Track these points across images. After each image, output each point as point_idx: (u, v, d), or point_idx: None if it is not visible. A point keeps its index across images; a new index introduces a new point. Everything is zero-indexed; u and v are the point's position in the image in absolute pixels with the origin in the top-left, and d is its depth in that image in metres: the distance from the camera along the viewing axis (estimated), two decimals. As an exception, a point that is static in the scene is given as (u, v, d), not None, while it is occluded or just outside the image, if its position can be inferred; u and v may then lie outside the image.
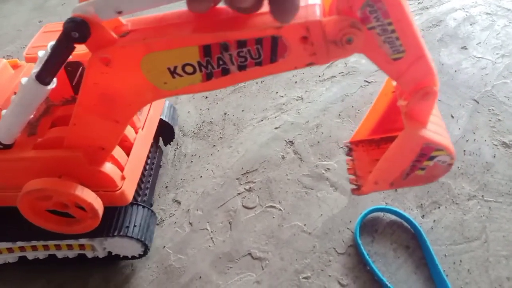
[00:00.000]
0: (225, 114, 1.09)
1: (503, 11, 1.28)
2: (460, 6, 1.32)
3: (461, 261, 0.77)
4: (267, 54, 0.49)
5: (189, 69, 0.51)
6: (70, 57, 0.55)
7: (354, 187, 0.63)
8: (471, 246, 0.79)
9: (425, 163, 0.53)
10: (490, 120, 0.98)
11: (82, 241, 0.74)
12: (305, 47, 0.48)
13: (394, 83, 0.58)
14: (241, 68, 0.50)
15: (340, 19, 0.46)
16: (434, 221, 0.82)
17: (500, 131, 0.96)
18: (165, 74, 0.51)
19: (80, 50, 0.59)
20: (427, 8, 1.32)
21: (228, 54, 0.49)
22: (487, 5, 1.31)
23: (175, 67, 0.51)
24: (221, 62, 0.50)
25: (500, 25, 1.23)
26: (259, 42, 0.48)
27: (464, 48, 1.17)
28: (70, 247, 0.76)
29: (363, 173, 0.63)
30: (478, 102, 1.03)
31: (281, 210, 0.87)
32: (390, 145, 0.54)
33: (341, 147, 0.97)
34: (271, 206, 0.88)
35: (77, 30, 0.47)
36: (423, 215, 0.83)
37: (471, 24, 1.25)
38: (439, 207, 0.84)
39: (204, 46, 0.49)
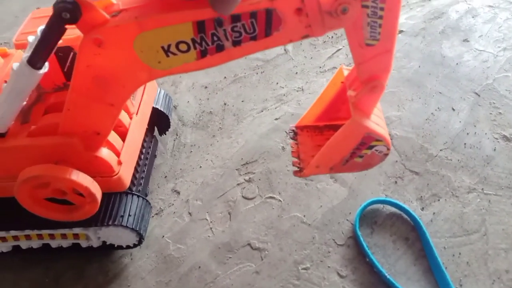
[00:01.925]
0: (225, 104, 1.08)
1: (505, 4, 1.27)
2: (463, -1, 1.31)
3: (460, 253, 0.76)
4: (261, 27, 0.48)
5: (183, 46, 0.50)
6: (61, 41, 0.54)
7: (296, 169, 0.66)
8: (470, 238, 0.78)
9: (364, 152, 0.58)
10: (491, 114, 0.97)
11: (76, 230, 0.73)
12: (300, 19, 0.47)
13: (345, 73, 0.61)
14: (236, 43, 0.50)
15: None
16: (434, 213, 0.81)
17: (501, 124, 0.95)
18: (159, 53, 0.51)
19: (70, 35, 0.59)
20: (429, 0, 1.31)
21: (222, 29, 0.48)
22: (490, -2, 1.30)
23: (169, 46, 0.50)
24: (215, 38, 0.49)
25: (502, 18, 1.22)
26: (253, 16, 0.47)
27: (466, 40, 1.16)
28: (64, 236, 0.75)
29: (306, 157, 0.66)
30: (479, 95, 1.01)
31: (280, 201, 0.86)
32: (335, 132, 0.57)
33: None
34: (271, 197, 0.87)
35: (68, 10, 0.46)
36: (423, 208, 0.82)
37: (473, 17, 1.23)
38: (439, 200, 0.83)
39: (198, 22, 0.48)
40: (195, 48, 0.50)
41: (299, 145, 0.68)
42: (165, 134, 0.99)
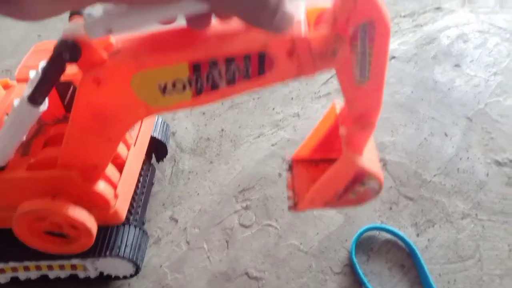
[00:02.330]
0: (222, 130, 1.10)
1: (495, 29, 1.30)
2: (454, 24, 1.34)
3: (455, 280, 0.76)
4: (255, 68, 0.50)
5: (179, 85, 0.52)
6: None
7: (290, 203, 0.66)
8: (465, 265, 0.78)
9: (357, 188, 0.58)
10: (483, 138, 0.99)
11: (74, 261, 0.73)
12: (291, 60, 0.49)
13: (338, 110, 0.63)
14: (230, 83, 0.51)
15: (326, 33, 0.48)
16: (429, 239, 0.82)
17: (493, 149, 0.96)
18: (156, 91, 0.52)
19: (71, 70, 0.60)
20: (421, 25, 1.34)
21: (217, 70, 0.50)
22: (480, 23, 1.33)
23: (166, 84, 0.52)
24: (210, 78, 0.51)
25: (492, 43, 1.25)
26: (246, 58, 0.49)
27: (458, 65, 1.19)
28: (62, 267, 0.76)
29: (301, 191, 0.66)
30: (471, 120, 1.03)
31: (277, 228, 0.87)
32: (329, 168, 0.58)
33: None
34: (268, 224, 0.88)
35: (68, 51, 0.48)
36: (418, 234, 0.83)
37: (464, 42, 1.26)
38: (433, 226, 0.84)
39: (194, 63, 0.50)
40: (190, 86, 0.51)
41: (294, 178, 0.69)
42: (163, 161, 1.01)
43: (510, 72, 1.15)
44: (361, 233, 0.83)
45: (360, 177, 0.57)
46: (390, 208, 0.87)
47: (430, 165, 0.95)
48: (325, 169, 0.60)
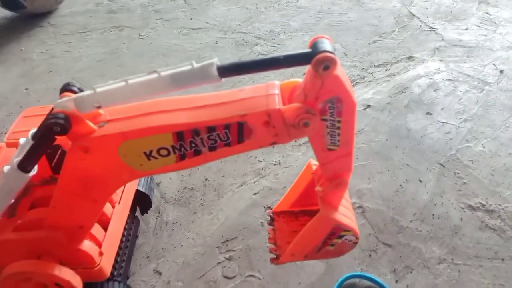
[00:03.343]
0: (206, 179, 1.13)
1: (464, 77, 1.38)
2: (424, 73, 1.42)
3: (435, 326, 0.79)
4: (234, 136, 0.54)
5: (163, 152, 0.55)
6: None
7: (273, 256, 0.70)
8: (443, 310, 0.81)
9: (335, 241, 0.63)
10: (456, 184, 1.04)
11: (60, 318, 0.74)
12: (268, 130, 0.53)
13: (314, 167, 0.68)
14: (212, 149, 0.55)
15: (298, 106, 0.52)
16: (407, 286, 0.85)
17: (466, 194, 1.01)
18: (141, 158, 0.56)
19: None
20: (393, 75, 1.42)
21: (200, 138, 0.54)
22: (449, 72, 1.41)
23: (151, 151, 0.55)
24: (193, 145, 0.54)
25: (461, 91, 1.32)
26: (227, 127, 0.53)
27: (429, 113, 1.25)
28: (47, 324, 0.76)
29: (282, 243, 0.70)
30: (444, 166, 1.08)
31: (260, 279, 0.89)
32: (309, 218, 0.62)
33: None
34: (251, 275, 0.90)
35: (58, 125, 0.51)
36: (397, 280, 0.86)
37: (435, 90, 1.33)
38: (411, 272, 0.87)
39: (177, 133, 0.53)
40: (174, 153, 0.55)
41: (275, 231, 0.72)
42: (147, 213, 1.02)
43: (480, 119, 1.22)
44: (342, 282, 0.85)
45: (337, 231, 0.61)
46: (370, 256, 0.90)
47: (406, 211, 0.98)
48: (305, 222, 0.64)
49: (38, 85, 1.62)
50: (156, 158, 0.57)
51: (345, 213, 0.61)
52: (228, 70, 0.50)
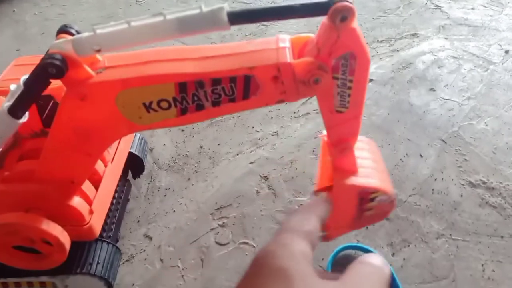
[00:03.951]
0: (201, 147, 1.09)
1: (468, 56, 1.35)
2: (429, 49, 1.38)
3: (430, 300, 0.78)
4: (240, 91, 0.50)
5: (164, 104, 0.51)
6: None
7: (323, 234, 0.67)
8: (440, 285, 0.80)
9: (369, 205, 0.57)
10: (457, 160, 1.02)
11: (43, 278, 0.71)
12: (276, 86, 0.50)
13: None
14: (215, 104, 0.52)
15: (310, 61, 0.49)
16: (404, 259, 0.83)
17: (467, 171, 0.99)
18: (140, 109, 0.52)
19: (52, 84, 0.60)
20: (397, 50, 1.38)
21: (203, 91, 0.50)
22: (454, 50, 1.38)
23: (151, 103, 0.51)
24: (195, 98, 0.51)
25: (466, 69, 1.30)
26: (232, 81, 0.49)
27: (432, 90, 1.22)
28: (30, 284, 0.73)
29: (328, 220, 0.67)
30: (445, 142, 1.06)
31: (254, 246, 0.87)
32: (331, 198, 0.57)
33: (314, 183, 0.98)
34: (244, 243, 0.88)
35: (54, 66, 0.48)
36: (393, 253, 0.84)
37: (439, 67, 1.30)
38: (408, 245, 0.86)
39: (180, 84, 0.50)
40: (175, 106, 0.51)
41: None
42: (139, 178, 0.99)
43: (483, 97, 1.20)
44: (337, 252, 0.83)
45: (364, 195, 0.56)
46: (366, 228, 0.88)
47: (406, 185, 0.97)
48: None
49: (30, 46, 1.57)
50: (156, 111, 0.53)
51: (366, 174, 0.57)
52: (239, 17, 0.46)
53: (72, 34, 0.51)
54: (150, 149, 1.08)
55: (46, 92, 0.64)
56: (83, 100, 0.52)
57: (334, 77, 0.51)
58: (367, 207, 0.58)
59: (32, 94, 0.53)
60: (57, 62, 0.47)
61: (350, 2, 0.45)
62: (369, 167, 0.59)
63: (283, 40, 0.52)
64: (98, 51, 0.49)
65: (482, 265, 0.82)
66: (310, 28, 1.50)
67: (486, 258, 0.83)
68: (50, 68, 0.48)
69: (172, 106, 0.52)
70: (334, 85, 0.51)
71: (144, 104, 0.52)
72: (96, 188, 0.70)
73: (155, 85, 0.50)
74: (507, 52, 1.38)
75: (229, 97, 0.51)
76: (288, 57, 0.49)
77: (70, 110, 0.53)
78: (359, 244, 0.85)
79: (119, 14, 1.69)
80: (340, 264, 0.83)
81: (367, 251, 0.84)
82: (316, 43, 0.49)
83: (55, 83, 0.58)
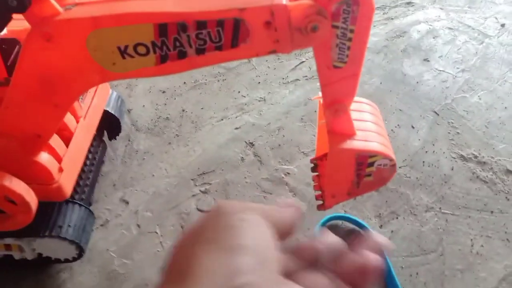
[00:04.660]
0: (183, 110, 1.04)
1: (464, 27, 1.30)
2: (424, 19, 1.33)
3: (417, 273, 0.75)
4: (228, 37, 0.45)
5: (141, 49, 0.46)
6: (5, 32, 0.49)
7: (319, 202, 0.63)
8: (427, 258, 0.77)
9: (368, 170, 0.55)
10: (449, 133, 0.98)
11: (8, 240, 0.66)
12: (269, 33, 0.44)
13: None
14: (200, 51, 0.46)
15: (308, 5, 0.43)
16: (392, 231, 0.81)
17: (459, 144, 0.96)
18: (114, 54, 0.46)
19: (18, 26, 0.53)
20: (392, 18, 1.33)
21: (186, 35, 0.44)
22: (450, 21, 1.33)
23: (126, 47, 0.45)
24: (177, 44, 0.45)
25: (461, 41, 1.25)
26: (220, 24, 0.44)
27: (426, 60, 1.18)
28: (-6, 247, 0.68)
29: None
30: (438, 114, 1.03)
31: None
32: (328, 162, 0.54)
33: (302, 152, 0.94)
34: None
35: None
36: (381, 225, 0.81)
37: (433, 38, 1.26)
38: (397, 218, 0.83)
39: (160, 25, 0.44)
40: (154, 52, 0.46)
41: (320, 178, 0.64)
42: (115, 139, 0.93)
43: (477, 70, 1.16)
44: (324, 222, 0.80)
45: (362, 159, 0.53)
46: (354, 198, 0.85)
47: (396, 156, 0.90)
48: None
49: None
50: (132, 56, 0.47)
51: (364, 137, 0.54)
52: None
53: (37, -38, 0.44)
54: (128, 110, 1.02)
55: (11, 36, 0.58)
56: (49, 41, 0.46)
57: (333, 25, 0.46)
58: (365, 173, 0.55)
59: (-9, 32, 0.46)
60: None
61: None
62: (368, 130, 0.55)
63: None
64: (66, -19, 0.42)
65: (471, 240, 0.80)
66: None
67: (475, 233, 0.81)
68: (11, 0, 0.42)
69: (150, 52, 0.46)
70: (333, 35, 0.46)
71: (118, 48, 0.46)
72: (67, 145, 0.64)
73: (131, 26, 0.44)
74: (503, 25, 1.34)
75: (216, 44, 0.46)
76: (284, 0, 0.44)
77: (34, 53, 0.47)
78: (346, 215, 0.82)
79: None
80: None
81: (354, 222, 0.81)
82: (316, -16, 0.43)
83: (22, 26, 0.52)
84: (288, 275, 0.22)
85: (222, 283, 0.19)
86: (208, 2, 0.45)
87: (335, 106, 0.53)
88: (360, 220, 0.80)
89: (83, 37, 0.45)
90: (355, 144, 0.53)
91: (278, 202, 0.28)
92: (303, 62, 1.18)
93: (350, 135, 0.53)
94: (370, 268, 0.24)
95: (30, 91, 0.51)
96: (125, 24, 0.44)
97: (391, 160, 0.56)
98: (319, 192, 0.63)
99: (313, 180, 0.65)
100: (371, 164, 0.55)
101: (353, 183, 0.57)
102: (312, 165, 0.66)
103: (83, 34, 0.45)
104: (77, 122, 0.67)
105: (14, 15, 0.45)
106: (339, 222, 0.81)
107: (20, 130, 0.55)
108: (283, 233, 0.25)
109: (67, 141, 0.64)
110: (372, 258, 0.24)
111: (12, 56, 0.61)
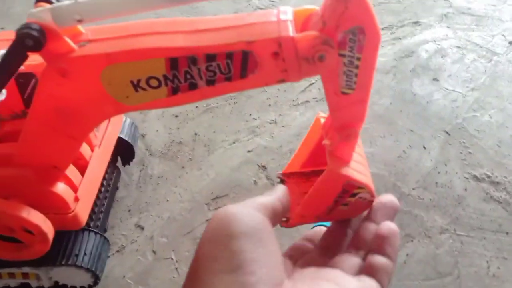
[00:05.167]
0: (195, 134, 1.05)
1: (472, 46, 1.31)
2: (432, 38, 1.34)
3: (434, 297, 0.74)
4: (237, 69, 0.46)
5: (153, 82, 0.47)
6: (22, 67, 0.51)
7: (283, 219, 0.63)
8: (443, 281, 0.76)
9: (348, 199, 0.55)
10: (461, 153, 0.98)
11: (26, 269, 0.67)
12: (277, 63, 0.45)
13: (322, 121, 0.61)
14: (210, 83, 0.47)
15: (314, 36, 0.44)
16: (407, 254, 0.80)
17: (471, 164, 0.96)
18: (128, 88, 0.47)
19: (34, 61, 0.55)
20: (399, 38, 1.34)
21: (197, 68, 0.46)
22: (457, 39, 1.34)
23: (139, 80, 0.47)
24: (188, 76, 0.46)
25: (469, 59, 1.26)
26: (229, 57, 0.45)
27: (436, 79, 1.18)
28: (12, 275, 0.69)
29: (293, 206, 0.63)
30: (449, 134, 1.03)
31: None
32: (316, 182, 0.55)
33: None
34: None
35: (31, 37, 0.43)
36: (396, 248, 0.81)
37: (442, 57, 1.26)
38: (412, 240, 0.82)
39: (171, 59, 0.45)
40: (166, 84, 0.47)
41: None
42: (129, 165, 0.95)
43: (487, 89, 1.16)
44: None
45: (349, 187, 0.54)
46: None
47: (409, 178, 0.93)
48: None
49: (15, 25, 1.50)
50: (145, 89, 0.48)
51: (358, 169, 0.54)
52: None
53: (51, 3, 0.46)
54: (142, 135, 1.04)
55: (28, 70, 0.60)
56: (64, 76, 0.47)
57: (340, 54, 0.46)
58: (344, 201, 0.55)
59: (9, 69, 0.48)
60: (35, 33, 0.43)
61: None
62: (357, 161, 0.56)
63: (284, 12, 0.47)
64: (80, 21, 0.44)
65: (487, 261, 0.79)
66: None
67: (491, 254, 0.80)
68: (27, 39, 0.44)
69: (162, 85, 0.47)
70: (340, 63, 0.47)
71: (131, 81, 0.47)
72: (82, 174, 0.65)
73: (143, 61, 0.46)
74: (510, 43, 1.34)
75: (225, 76, 0.47)
76: (291, 31, 0.45)
77: (50, 88, 0.49)
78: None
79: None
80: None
81: None
82: (322, 15, 0.44)
83: (37, 60, 0.54)
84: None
85: None
86: (217, 35, 0.46)
87: (347, 130, 0.53)
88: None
89: (98, 72, 0.47)
90: (351, 172, 0.53)
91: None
92: (312, 84, 1.19)
93: (347, 162, 0.54)
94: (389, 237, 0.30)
95: (47, 124, 0.52)
96: (137, 59, 0.46)
97: (372, 196, 0.56)
98: None
99: None
100: (354, 195, 0.55)
101: (328, 208, 0.57)
102: (279, 180, 0.65)
103: (98, 70, 0.47)
104: (92, 150, 0.68)
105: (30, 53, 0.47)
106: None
107: (37, 162, 0.56)
108: (278, 215, 0.31)
109: (82, 170, 0.65)
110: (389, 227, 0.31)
111: (29, 90, 0.63)
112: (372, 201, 0.56)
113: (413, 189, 0.90)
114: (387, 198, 0.38)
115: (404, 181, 0.92)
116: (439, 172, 0.94)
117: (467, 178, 0.93)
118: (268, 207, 0.30)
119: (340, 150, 0.55)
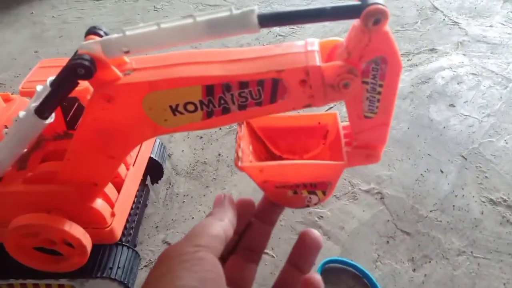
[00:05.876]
0: (219, 155, 1.09)
1: (487, 73, 1.34)
2: (448, 65, 1.38)
3: (452, 318, 0.76)
4: (267, 95, 0.50)
5: (190, 107, 0.51)
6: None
7: (236, 160, 0.53)
8: (461, 302, 0.78)
9: (303, 191, 0.53)
10: (477, 177, 1.00)
11: (62, 281, 0.71)
12: (304, 90, 0.49)
13: (340, 126, 0.60)
14: (242, 107, 0.51)
15: (339, 65, 0.48)
16: (425, 275, 0.82)
17: (488, 188, 0.97)
18: (167, 112, 0.52)
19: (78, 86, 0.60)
20: (416, 65, 1.38)
21: (230, 94, 0.50)
22: (473, 66, 1.37)
23: (177, 105, 0.52)
24: (222, 102, 0.51)
25: (485, 86, 1.28)
26: (260, 84, 0.49)
27: (452, 105, 1.21)
28: (49, 287, 0.73)
29: (244, 148, 0.56)
30: (466, 159, 1.05)
31: (273, 257, 0.86)
32: (311, 160, 0.54)
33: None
34: (264, 253, 0.86)
35: (83, 67, 0.48)
36: (414, 269, 0.83)
37: (458, 83, 1.29)
38: (430, 261, 0.84)
39: (207, 86, 0.50)
40: (202, 109, 0.51)
41: (243, 138, 0.57)
42: (157, 183, 0.99)
43: (503, 115, 1.18)
44: (323, 264, 0.82)
45: (320, 186, 0.52)
46: (387, 242, 0.87)
47: (426, 200, 0.95)
48: (259, 151, 0.56)
49: (48, 48, 1.59)
50: (182, 113, 0.53)
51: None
52: (269, 19, 0.46)
53: (100, 36, 0.52)
54: (168, 155, 1.09)
55: (71, 94, 0.65)
56: (109, 101, 0.52)
57: (363, 81, 0.50)
58: (299, 190, 0.53)
59: (60, 95, 0.53)
60: (86, 63, 0.48)
61: (383, 5, 0.45)
62: None
63: (311, 43, 0.52)
64: (127, 52, 0.49)
65: (504, 284, 0.80)
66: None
67: (508, 277, 0.81)
68: (79, 68, 0.49)
69: (198, 109, 0.52)
70: (363, 89, 0.50)
71: (170, 106, 0.52)
72: (118, 191, 0.70)
73: (182, 88, 0.50)
74: (527, 70, 1.36)
75: (256, 101, 0.51)
76: (317, 61, 0.49)
77: (96, 112, 0.54)
78: (343, 259, 0.83)
79: (137, 19, 1.72)
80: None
81: (352, 266, 0.82)
82: (346, 46, 0.48)
83: (80, 85, 0.59)
84: None
85: None
86: (249, 64, 0.51)
87: (369, 150, 0.54)
88: (357, 264, 0.82)
89: (140, 98, 0.52)
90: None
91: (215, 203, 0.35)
92: (331, 107, 1.23)
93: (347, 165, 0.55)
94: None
95: (91, 145, 0.57)
96: (177, 87, 0.51)
97: (315, 204, 0.57)
98: (239, 150, 0.56)
99: (237, 136, 0.58)
100: (311, 192, 0.55)
101: (282, 184, 0.56)
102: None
103: (140, 96, 0.51)
104: (127, 169, 0.73)
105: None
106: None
107: (79, 179, 0.61)
108: (227, 239, 0.30)
109: (118, 187, 0.70)
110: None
111: (72, 112, 0.69)
112: (309, 206, 0.54)
113: (431, 211, 0.93)
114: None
115: (422, 204, 0.94)
116: (456, 196, 0.96)
117: (483, 202, 0.94)
118: (222, 238, 0.29)
119: (353, 161, 0.56)
